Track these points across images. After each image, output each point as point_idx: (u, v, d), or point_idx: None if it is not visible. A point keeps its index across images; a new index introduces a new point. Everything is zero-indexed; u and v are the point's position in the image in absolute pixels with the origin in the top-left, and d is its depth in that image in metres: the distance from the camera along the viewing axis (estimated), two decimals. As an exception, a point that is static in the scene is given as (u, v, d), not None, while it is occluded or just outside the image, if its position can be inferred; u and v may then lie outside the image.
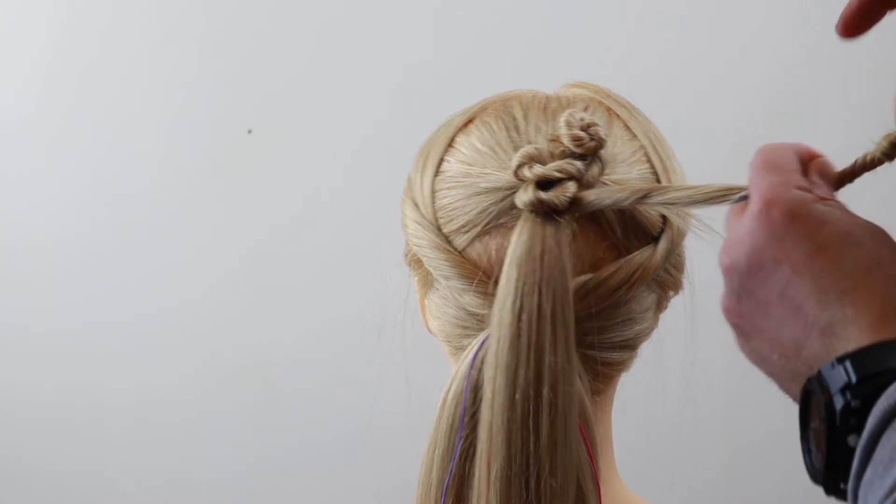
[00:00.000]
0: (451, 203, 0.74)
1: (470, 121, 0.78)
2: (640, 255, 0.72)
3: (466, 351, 0.73)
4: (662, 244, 0.73)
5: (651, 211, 0.74)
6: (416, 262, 0.78)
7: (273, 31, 1.87)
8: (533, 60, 1.83)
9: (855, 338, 0.53)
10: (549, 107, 0.76)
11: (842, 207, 0.59)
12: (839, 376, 0.53)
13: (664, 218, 0.74)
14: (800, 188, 0.59)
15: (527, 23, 1.86)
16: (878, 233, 0.57)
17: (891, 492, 0.49)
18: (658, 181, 0.74)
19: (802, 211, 0.57)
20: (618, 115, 0.77)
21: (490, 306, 0.71)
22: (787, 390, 0.58)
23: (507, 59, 1.83)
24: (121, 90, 1.87)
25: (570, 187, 0.69)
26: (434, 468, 0.73)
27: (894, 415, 0.51)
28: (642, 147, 0.76)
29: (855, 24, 0.62)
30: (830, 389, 0.53)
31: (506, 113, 0.76)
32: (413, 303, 0.81)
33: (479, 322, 0.74)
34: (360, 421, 1.77)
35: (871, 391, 0.52)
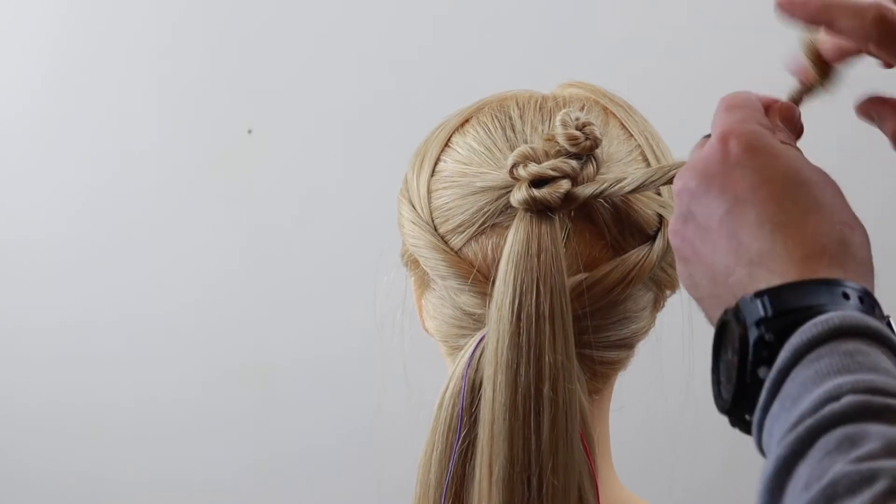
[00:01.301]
0: (447, 203, 0.74)
1: (466, 121, 0.78)
2: (636, 254, 0.72)
3: (463, 351, 0.73)
4: (658, 243, 0.73)
5: (647, 210, 0.74)
6: (412, 263, 0.78)
7: (273, 31, 1.87)
8: (530, 60, 1.83)
9: (780, 272, 0.54)
10: (545, 106, 0.76)
11: (798, 150, 0.60)
12: (756, 309, 0.53)
13: (660, 217, 0.74)
14: (761, 125, 0.60)
15: (525, 23, 1.85)
16: (826, 180, 0.58)
17: (795, 425, 0.49)
18: None
19: (758, 143, 0.58)
20: (614, 115, 0.77)
21: (486, 306, 0.71)
22: (711, 320, 0.59)
23: (505, 59, 1.83)
24: (121, 90, 1.87)
25: (564, 185, 0.70)
26: (432, 468, 0.73)
27: (806, 351, 0.51)
28: (638, 146, 0.76)
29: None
30: (746, 321, 0.54)
31: (502, 112, 0.76)
32: (410, 303, 0.81)
33: (475, 322, 0.74)
34: (359, 421, 1.77)
35: (786, 326, 0.52)
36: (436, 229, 0.74)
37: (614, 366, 0.77)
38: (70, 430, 1.94)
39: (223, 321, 1.91)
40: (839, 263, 0.54)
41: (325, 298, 1.89)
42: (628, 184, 0.70)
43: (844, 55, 0.65)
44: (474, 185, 0.73)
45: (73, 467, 1.95)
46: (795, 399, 0.50)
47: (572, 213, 0.72)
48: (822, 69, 0.65)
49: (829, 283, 0.53)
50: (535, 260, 0.68)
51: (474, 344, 0.73)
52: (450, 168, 0.75)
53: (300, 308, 1.91)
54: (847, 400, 0.49)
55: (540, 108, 0.76)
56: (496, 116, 0.76)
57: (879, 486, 0.45)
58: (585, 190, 0.70)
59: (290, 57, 1.86)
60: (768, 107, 0.63)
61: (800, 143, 0.64)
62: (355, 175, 1.87)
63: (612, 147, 0.75)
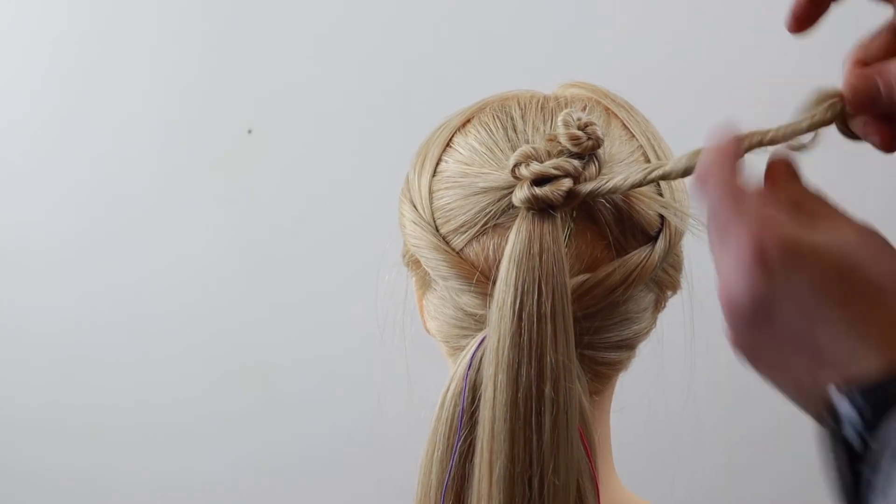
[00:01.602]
0: (448, 203, 0.74)
1: (468, 121, 0.78)
2: (637, 255, 0.72)
3: (465, 351, 0.73)
4: (660, 244, 0.73)
5: (649, 211, 0.74)
6: (413, 263, 0.78)
7: (273, 31, 1.87)
8: (532, 60, 1.83)
9: (865, 368, 0.52)
10: (546, 106, 0.76)
11: (817, 208, 0.58)
12: (847, 410, 0.52)
13: (662, 218, 0.74)
14: (768, 211, 0.56)
15: (526, 23, 1.85)
16: (871, 243, 0.56)
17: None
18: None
19: (794, 246, 0.55)
20: (616, 115, 0.77)
21: (488, 306, 0.71)
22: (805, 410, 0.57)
23: (506, 59, 1.83)
24: (121, 90, 1.87)
25: (566, 183, 0.69)
26: (433, 469, 0.73)
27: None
28: (640, 147, 0.76)
29: (804, 18, 0.62)
30: (841, 425, 0.52)
31: (503, 113, 0.76)
32: (411, 303, 0.81)
33: (477, 322, 0.74)
34: (360, 421, 1.77)
35: (878, 416, 0.51)
36: (437, 230, 0.74)
37: (615, 367, 0.77)
38: (70, 430, 1.94)
39: (223, 321, 1.91)
40: None
41: (326, 298, 1.89)
42: (632, 178, 0.69)
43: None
44: (476, 185, 0.73)
45: (73, 467, 1.95)
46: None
47: (574, 214, 0.72)
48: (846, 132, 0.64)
49: None
50: (537, 259, 0.68)
51: (476, 344, 0.72)
52: (451, 168, 0.75)
53: (300, 308, 1.91)
54: None
55: (542, 108, 0.76)
56: (498, 116, 0.76)
57: None
58: (587, 186, 0.70)
59: (290, 57, 1.86)
60: (767, 175, 0.61)
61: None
62: (355, 175, 1.87)
63: (615, 147, 0.74)
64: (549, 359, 0.68)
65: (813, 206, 0.58)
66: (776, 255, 0.55)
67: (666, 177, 0.67)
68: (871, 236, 0.56)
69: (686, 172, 0.66)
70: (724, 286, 0.57)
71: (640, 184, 0.69)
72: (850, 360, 0.53)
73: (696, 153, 0.64)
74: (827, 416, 0.53)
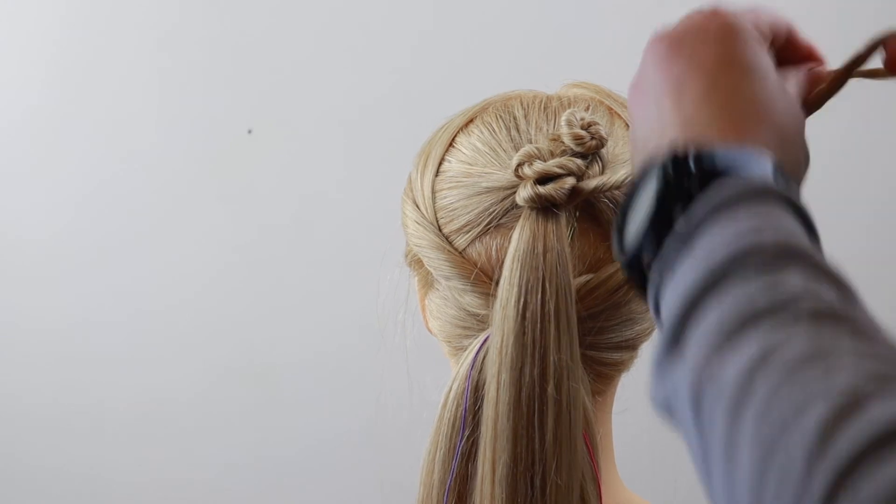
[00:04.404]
0: (451, 203, 0.74)
1: (470, 121, 0.78)
2: None
3: (467, 351, 0.73)
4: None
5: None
6: (416, 263, 0.78)
7: (273, 31, 1.87)
8: (534, 60, 1.83)
9: (709, 138, 0.52)
10: (549, 106, 0.76)
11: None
12: (685, 158, 0.51)
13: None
14: (759, 30, 0.59)
15: (528, 23, 1.86)
16: (790, 100, 0.57)
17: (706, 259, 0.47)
18: None
19: (739, 32, 0.57)
20: (619, 116, 0.77)
21: (490, 306, 0.71)
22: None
23: (507, 59, 1.83)
24: (121, 90, 1.87)
25: (569, 181, 0.69)
26: (436, 469, 0.73)
27: (725, 206, 0.49)
28: (643, 147, 0.76)
29: None
30: (671, 165, 0.51)
31: (506, 112, 0.76)
32: (413, 303, 0.81)
33: (479, 322, 0.74)
34: (360, 420, 1.77)
35: (705, 176, 0.50)
36: (440, 229, 0.74)
37: (617, 367, 0.77)
38: (69, 430, 1.94)
39: (223, 320, 1.91)
40: (770, 150, 0.53)
41: (325, 298, 1.89)
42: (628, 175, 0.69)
43: None
44: (479, 185, 0.73)
45: (72, 466, 1.95)
46: (711, 251, 0.48)
47: (576, 214, 0.72)
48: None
49: (756, 154, 0.51)
50: (541, 259, 0.68)
51: (478, 344, 0.73)
52: (454, 168, 0.75)
53: (300, 307, 1.91)
54: (771, 238, 0.47)
55: (544, 107, 0.76)
56: (500, 116, 0.76)
57: (804, 306, 0.44)
58: (592, 182, 0.70)
59: (290, 57, 1.86)
60: (795, 44, 0.61)
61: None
62: (355, 175, 1.87)
63: (618, 147, 0.74)
64: (552, 358, 0.68)
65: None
66: (722, 18, 0.57)
67: None
68: (794, 100, 0.57)
69: None
70: (662, 30, 0.59)
71: None
72: (703, 126, 0.53)
73: None
74: (667, 161, 0.52)
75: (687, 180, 0.51)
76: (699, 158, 0.51)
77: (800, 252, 0.47)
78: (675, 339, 0.47)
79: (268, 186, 1.89)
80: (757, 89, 0.55)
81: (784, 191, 0.50)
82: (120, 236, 1.90)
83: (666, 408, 0.48)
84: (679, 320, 0.47)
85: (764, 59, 0.57)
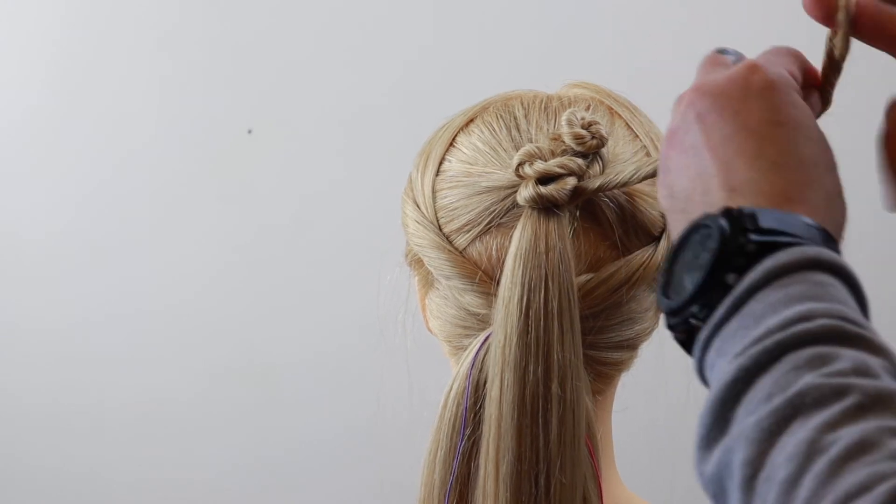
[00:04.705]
0: (452, 203, 0.74)
1: (471, 120, 0.78)
2: (641, 255, 0.72)
3: (468, 350, 0.74)
4: (664, 244, 0.73)
5: (652, 210, 0.74)
6: (416, 262, 0.78)
7: (273, 30, 1.87)
8: (534, 60, 1.83)
9: (758, 204, 0.53)
10: (550, 106, 0.76)
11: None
12: (741, 219, 0.52)
13: (665, 217, 0.74)
14: (793, 77, 0.59)
15: (528, 22, 1.85)
16: (829, 152, 0.57)
17: (759, 339, 0.48)
18: None
19: (780, 86, 0.57)
20: (619, 115, 0.77)
21: (491, 306, 0.71)
22: (673, 232, 0.57)
23: (508, 58, 1.83)
24: (120, 89, 1.87)
25: (570, 181, 0.70)
26: (437, 469, 0.73)
27: (777, 276, 0.50)
28: (644, 147, 0.76)
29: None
30: (727, 226, 0.52)
31: (507, 112, 0.76)
32: (414, 303, 0.81)
33: (479, 322, 0.74)
34: (361, 420, 1.77)
35: (761, 246, 0.51)
36: (440, 229, 0.74)
37: (618, 366, 0.77)
38: (69, 429, 1.94)
39: (223, 320, 1.91)
40: (818, 215, 0.53)
41: (326, 298, 1.89)
42: (644, 170, 0.70)
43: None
44: (480, 184, 0.73)
45: (72, 466, 1.95)
46: (760, 317, 0.49)
47: (577, 214, 0.72)
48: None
49: (805, 221, 0.52)
50: (544, 257, 0.69)
51: (478, 344, 0.73)
52: (455, 168, 0.75)
53: (300, 307, 1.91)
54: (820, 322, 0.48)
55: (545, 107, 0.76)
56: (501, 116, 0.76)
57: (849, 401, 0.45)
58: (595, 182, 0.70)
59: (290, 57, 1.86)
60: (809, 72, 0.62)
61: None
62: (355, 175, 1.87)
63: (618, 147, 0.74)
64: (556, 356, 0.68)
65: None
66: (761, 78, 0.57)
67: None
68: (830, 149, 0.58)
69: None
70: (697, 82, 0.59)
71: (652, 174, 0.69)
72: (752, 190, 0.54)
73: None
74: (714, 218, 0.53)
75: (744, 240, 0.51)
76: (755, 220, 0.52)
77: (848, 332, 0.48)
78: (724, 415, 0.48)
79: (268, 186, 1.89)
80: (803, 150, 0.55)
81: (834, 260, 0.51)
82: (120, 236, 1.90)
83: (717, 482, 0.49)
84: (730, 395, 0.48)
85: (805, 112, 0.57)
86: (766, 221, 0.52)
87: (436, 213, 0.75)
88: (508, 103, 0.77)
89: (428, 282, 0.78)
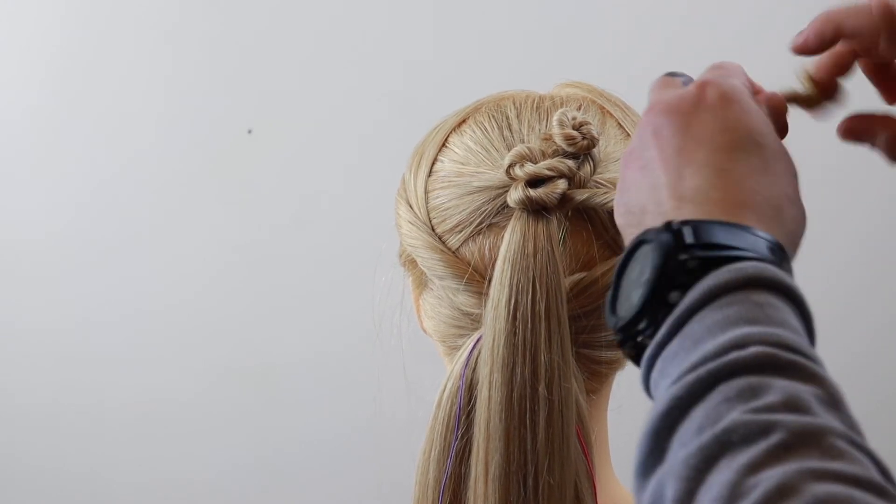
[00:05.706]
0: (444, 203, 0.74)
1: (463, 121, 0.78)
2: None
3: (461, 350, 0.74)
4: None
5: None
6: (410, 263, 0.78)
7: (273, 31, 1.87)
8: (527, 60, 1.83)
9: (706, 211, 0.53)
10: (542, 106, 0.76)
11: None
12: (683, 235, 0.52)
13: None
14: (744, 85, 0.60)
15: (523, 24, 1.86)
16: (785, 154, 0.57)
17: (695, 366, 0.48)
18: None
19: (734, 96, 0.57)
20: (611, 115, 0.78)
21: (484, 306, 0.71)
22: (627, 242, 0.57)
23: (503, 59, 1.83)
24: (121, 90, 1.87)
25: (560, 185, 0.70)
26: (431, 468, 0.73)
27: (717, 295, 0.50)
28: (636, 147, 0.76)
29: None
30: (669, 243, 0.52)
31: (499, 112, 0.77)
32: (408, 303, 0.81)
33: (473, 322, 0.74)
34: (360, 420, 1.77)
35: (705, 262, 0.51)
36: (433, 229, 0.75)
37: (612, 365, 0.77)
38: (70, 430, 1.94)
39: (223, 320, 1.91)
40: (765, 223, 0.53)
41: (325, 298, 1.89)
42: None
43: (842, 67, 0.64)
44: (471, 184, 0.73)
45: (72, 466, 1.95)
46: (698, 340, 0.49)
47: (569, 213, 0.72)
48: (822, 91, 0.65)
49: (752, 232, 0.52)
50: (532, 259, 0.69)
51: (472, 344, 0.73)
52: (447, 168, 0.76)
53: (299, 307, 1.91)
54: (754, 350, 0.48)
55: (537, 107, 0.76)
56: (493, 116, 0.76)
57: (774, 439, 0.45)
58: (583, 195, 0.71)
59: (290, 57, 1.86)
60: (756, 91, 0.63)
61: (800, 144, 0.64)
62: (355, 175, 1.87)
63: (610, 146, 0.75)
64: (543, 358, 0.68)
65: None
66: (716, 91, 0.57)
67: None
68: (787, 150, 0.58)
69: None
70: (653, 101, 0.60)
71: None
72: (700, 198, 0.54)
73: None
74: (656, 233, 0.53)
75: (686, 256, 0.51)
76: (698, 234, 0.52)
77: (781, 360, 0.48)
78: (660, 444, 0.48)
79: (268, 186, 1.89)
80: (755, 156, 0.55)
81: (776, 277, 0.51)
82: (120, 236, 1.90)
83: None
84: (664, 426, 0.48)
85: (760, 118, 0.57)
86: (709, 235, 0.52)
87: (428, 214, 0.75)
88: (500, 103, 0.78)
89: (422, 282, 0.78)
